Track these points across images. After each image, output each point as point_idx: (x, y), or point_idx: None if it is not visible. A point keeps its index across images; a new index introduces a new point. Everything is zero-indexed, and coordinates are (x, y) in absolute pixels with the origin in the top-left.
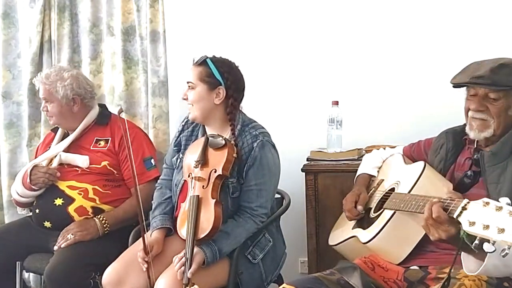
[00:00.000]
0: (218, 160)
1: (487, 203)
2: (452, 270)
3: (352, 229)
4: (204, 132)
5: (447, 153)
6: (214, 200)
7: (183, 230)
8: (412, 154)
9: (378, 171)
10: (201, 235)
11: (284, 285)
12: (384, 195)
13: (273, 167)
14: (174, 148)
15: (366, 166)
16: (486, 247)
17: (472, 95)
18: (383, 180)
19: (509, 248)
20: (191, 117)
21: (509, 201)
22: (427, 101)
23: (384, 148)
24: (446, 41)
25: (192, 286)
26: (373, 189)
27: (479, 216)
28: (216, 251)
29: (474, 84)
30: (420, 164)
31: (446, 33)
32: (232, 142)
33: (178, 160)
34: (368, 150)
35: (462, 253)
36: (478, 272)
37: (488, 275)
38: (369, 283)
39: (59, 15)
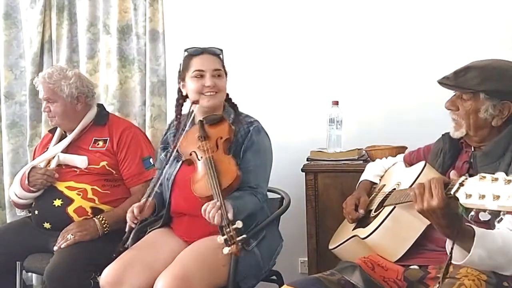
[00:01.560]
0: (220, 130)
1: (484, 177)
2: (452, 270)
3: (352, 230)
4: (193, 124)
5: (445, 156)
6: (228, 155)
7: (200, 188)
8: (412, 160)
9: (380, 180)
10: (227, 183)
11: (284, 286)
12: (385, 197)
13: (268, 150)
14: (161, 146)
15: (368, 174)
16: (482, 215)
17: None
18: (384, 185)
19: (504, 214)
20: (212, 104)
21: (504, 174)
22: (427, 101)
23: (386, 157)
24: (446, 41)
25: (233, 224)
26: (374, 194)
27: (475, 188)
28: (235, 205)
29: (441, 84)
30: (421, 163)
31: (446, 33)
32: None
33: (168, 155)
34: (368, 150)
35: (448, 242)
36: (464, 262)
37: (473, 266)
38: (370, 280)
39: (58, 15)
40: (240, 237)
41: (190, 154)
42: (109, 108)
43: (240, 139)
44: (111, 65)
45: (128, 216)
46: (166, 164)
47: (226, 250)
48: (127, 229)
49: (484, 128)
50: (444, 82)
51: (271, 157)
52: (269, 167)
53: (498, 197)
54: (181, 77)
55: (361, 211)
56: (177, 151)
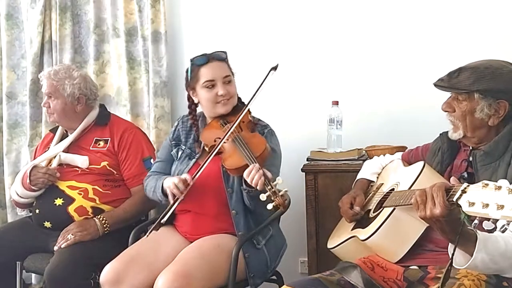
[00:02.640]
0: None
1: (486, 185)
2: (451, 269)
3: (351, 230)
4: (205, 124)
5: (443, 155)
6: (254, 133)
7: (233, 161)
8: (410, 159)
9: (377, 177)
10: (259, 151)
11: (284, 286)
12: (383, 196)
13: (280, 152)
14: (172, 142)
15: (365, 172)
16: (486, 225)
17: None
18: (382, 184)
19: (508, 224)
20: (226, 110)
21: (507, 183)
22: (427, 102)
23: (384, 155)
24: (446, 41)
25: (274, 181)
26: (372, 193)
27: (478, 196)
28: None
29: (436, 86)
30: (420, 163)
31: (446, 33)
32: None
33: (180, 152)
34: (368, 150)
35: (450, 246)
36: (467, 266)
37: (476, 270)
38: (370, 280)
39: (60, 15)
40: (283, 191)
41: (215, 141)
42: (122, 110)
43: (256, 131)
44: (122, 67)
45: (179, 186)
46: (177, 161)
47: (270, 206)
48: (171, 203)
49: (481, 128)
50: (439, 84)
51: (281, 156)
52: (280, 166)
53: (502, 206)
54: (191, 86)
55: (357, 208)
56: (190, 148)
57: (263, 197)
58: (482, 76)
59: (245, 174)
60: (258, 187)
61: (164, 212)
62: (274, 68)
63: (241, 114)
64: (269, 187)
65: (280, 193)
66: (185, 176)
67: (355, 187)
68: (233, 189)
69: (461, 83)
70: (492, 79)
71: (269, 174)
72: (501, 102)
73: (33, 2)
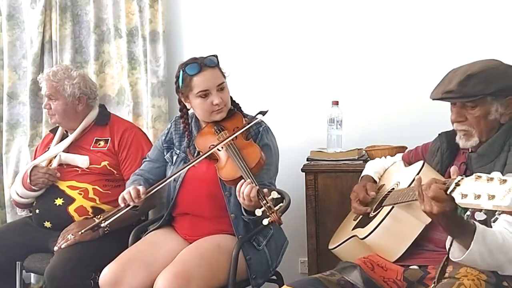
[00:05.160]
0: (235, 121)
1: (479, 177)
2: (451, 270)
3: (352, 230)
4: (199, 127)
5: (443, 155)
6: (248, 140)
7: (227, 172)
8: (410, 159)
9: (379, 178)
10: (254, 162)
11: (284, 286)
12: (383, 196)
13: (276, 148)
14: (164, 145)
15: (369, 170)
16: (478, 215)
17: (452, 105)
18: (383, 185)
19: (499, 214)
20: (222, 117)
21: (500, 174)
22: (427, 102)
23: (386, 156)
24: (446, 41)
25: (269, 196)
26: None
27: (471, 188)
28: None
29: (446, 99)
30: (419, 162)
31: (446, 33)
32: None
33: (175, 156)
34: (368, 150)
35: (448, 240)
36: (463, 258)
37: (474, 265)
38: (370, 280)
39: (60, 15)
40: (278, 206)
41: (209, 148)
42: (126, 110)
43: (250, 138)
44: (124, 67)
45: (132, 193)
46: (173, 165)
47: (265, 221)
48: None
49: (494, 128)
50: (449, 96)
51: (278, 153)
52: (277, 163)
53: (493, 196)
54: (184, 94)
55: (372, 193)
56: (184, 152)
57: (258, 212)
58: (491, 77)
59: (237, 190)
60: (252, 200)
61: (107, 216)
62: (263, 113)
63: (232, 134)
64: (264, 201)
65: (275, 208)
66: (141, 188)
67: (362, 181)
68: (230, 193)
69: (474, 89)
70: (501, 78)
71: (265, 189)
72: (509, 99)
73: (33, 2)
